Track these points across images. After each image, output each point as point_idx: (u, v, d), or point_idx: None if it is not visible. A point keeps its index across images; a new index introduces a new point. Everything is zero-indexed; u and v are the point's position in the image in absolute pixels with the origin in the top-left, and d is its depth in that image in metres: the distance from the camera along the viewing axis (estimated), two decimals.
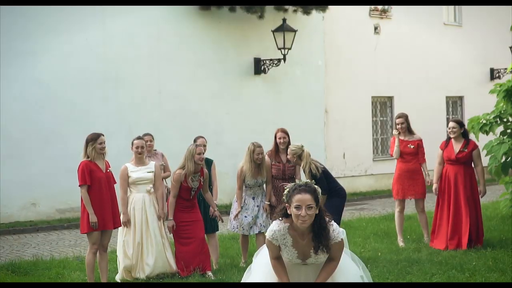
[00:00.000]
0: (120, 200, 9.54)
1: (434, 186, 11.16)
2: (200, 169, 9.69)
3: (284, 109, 19.29)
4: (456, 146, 11.02)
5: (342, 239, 5.28)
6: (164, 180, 11.20)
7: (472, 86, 23.91)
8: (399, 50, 21.85)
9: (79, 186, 8.91)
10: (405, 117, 11.62)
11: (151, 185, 9.75)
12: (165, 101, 17.36)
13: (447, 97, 23.59)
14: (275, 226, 5.26)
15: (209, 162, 10.49)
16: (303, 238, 5.19)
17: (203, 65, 17.92)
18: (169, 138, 16.94)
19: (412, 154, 11.41)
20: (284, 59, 18.28)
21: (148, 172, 9.75)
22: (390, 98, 22.00)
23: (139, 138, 10.04)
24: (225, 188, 16.03)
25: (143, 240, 9.57)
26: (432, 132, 20.21)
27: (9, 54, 15.28)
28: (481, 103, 23.56)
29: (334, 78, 20.40)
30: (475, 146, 11.00)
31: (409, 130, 11.56)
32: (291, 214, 5.18)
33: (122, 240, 9.65)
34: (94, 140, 9.00)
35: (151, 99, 17.17)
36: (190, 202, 9.77)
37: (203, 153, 9.78)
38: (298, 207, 5.07)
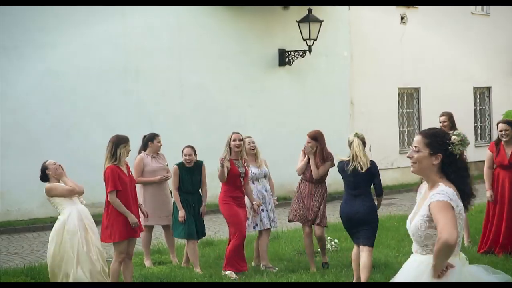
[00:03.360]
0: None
1: (489, 193, 10.34)
2: (242, 159, 9.56)
3: (309, 101, 18.69)
4: (508, 149, 10.23)
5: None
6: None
7: (499, 77, 23.18)
8: (426, 40, 21.13)
9: (109, 192, 8.23)
10: (448, 115, 11.09)
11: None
12: (186, 93, 16.84)
13: (474, 88, 22.88)
14: None
15: (199, 164, 10.02)
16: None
17: (226, 56, 17.34)
18: (191, 131, 16.52)
19: None
20: (310, 50, 17.65)
21: None
22: (417, 89, 21.35)
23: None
24: None
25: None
26: (459, 123, 19.51)
27: (27, 46, 14.83)
28: (508, 93, 22.91)
29: (360, 70, 19.74)
30: None
31: (452, 129, 10.81)
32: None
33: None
34: (126, 142, 8.36)
35: (172, 91, 16.66)
36: (240, 191, 9.53)
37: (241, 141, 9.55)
38: None
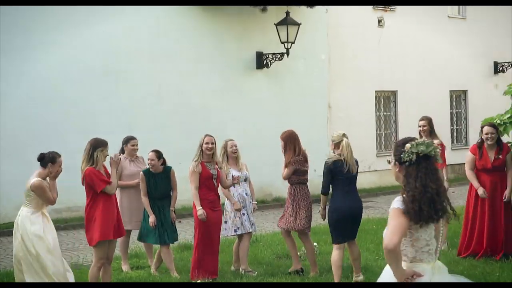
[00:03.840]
0: None
1: (481, 190, 10.13)
2: (215, 162, 9.53)
3: (287, 104, 18.61)
4: (490, 153, 10.21)
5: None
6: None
7: (475, 80, 23.25)
8: (403, 44, 21.16)
9: (101, 191, 8.16)
10: (428, 120, 11.09)
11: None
12: (164, 96, 16.69)
13: (450, 91, 22.92)
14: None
15: (167, 169, 9.89)
16: None
17: (203, 59, 17.21)
18: (169, 134, 16.36)
19: None
20: (288, 53, 17.57)
21: None
22: (394, 93, 21.34)
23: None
24: None
25: None
26: (435, 126, 19.47)
27: (4, 50, 14.59)
28: (484, 97, 22.99)
29: (338, 73, 19.70)
30: (509, 149, 10.25)
31: (431, 134, 10.95)
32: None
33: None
34: (104, 146, 8.26)
35: (150, 95, 16.51)
36: (214, 194, 9.44)
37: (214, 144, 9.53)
38: None
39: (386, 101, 21.37)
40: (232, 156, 9.95)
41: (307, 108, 18.90)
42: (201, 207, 9.23)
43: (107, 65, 15.82)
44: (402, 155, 4.54)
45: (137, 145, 10.46)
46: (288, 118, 18.12)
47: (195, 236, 9.47)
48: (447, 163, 11.21)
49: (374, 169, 20.37)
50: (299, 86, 18.85)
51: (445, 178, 10.67)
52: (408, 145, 4.54)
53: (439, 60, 22.12)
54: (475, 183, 10.23)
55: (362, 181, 19.76)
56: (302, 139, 11.05)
